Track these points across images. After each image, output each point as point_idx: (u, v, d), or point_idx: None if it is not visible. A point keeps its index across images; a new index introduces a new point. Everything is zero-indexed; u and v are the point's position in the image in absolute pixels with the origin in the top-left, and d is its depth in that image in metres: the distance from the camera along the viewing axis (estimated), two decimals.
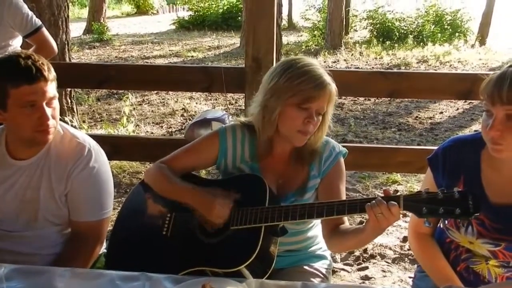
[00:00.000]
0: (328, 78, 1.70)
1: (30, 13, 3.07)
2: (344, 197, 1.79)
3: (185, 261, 1.64)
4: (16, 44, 3.19)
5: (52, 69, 1.72)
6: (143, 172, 4.56)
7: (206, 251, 1.65)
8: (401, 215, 1.46)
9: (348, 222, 1.78)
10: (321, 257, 1.91)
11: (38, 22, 3.09)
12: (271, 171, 1.80)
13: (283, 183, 1.80)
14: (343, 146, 1.90)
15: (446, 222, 1.64)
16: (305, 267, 1.85)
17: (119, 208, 1.94)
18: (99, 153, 1.86)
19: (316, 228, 1.90)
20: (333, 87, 1.71)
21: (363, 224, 1.53)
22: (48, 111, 1.69)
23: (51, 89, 1.69)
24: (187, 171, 1.89)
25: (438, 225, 1.74)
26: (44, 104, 1.68)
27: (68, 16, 5.43)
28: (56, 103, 1.74)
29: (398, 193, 4.17)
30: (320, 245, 1.93)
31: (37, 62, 1.66)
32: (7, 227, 1.81)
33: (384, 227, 1.45)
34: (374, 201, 1.43)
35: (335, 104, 1.76)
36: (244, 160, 1.85)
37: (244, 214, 1.63)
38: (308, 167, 1.81)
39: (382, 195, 1.46)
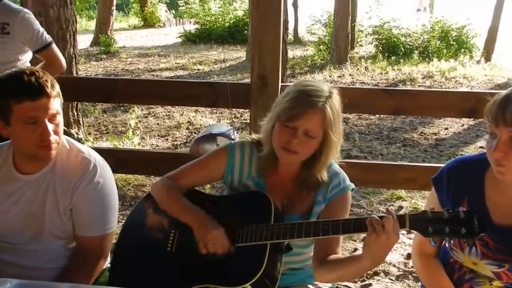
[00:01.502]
0: (323, 101, 1.66)
1: (41, 29, 3.10)
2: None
3: (190, 277, 1.65)
4: (26, 59, 3.21)
5: (57, 85, 1.74)
6: (148, 185, 4.57)
7: (211, 268, 1.65)
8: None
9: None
10: None
11: (49, 38, 3.12)
12: (277, 190, 1.79)
13: (288, 203, 1.79)
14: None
15: (452, 242, 1.64)
16: (310, 285, 1.84)
17: (124, 221, 1.94)
18: (104, 168, 1.87)
19: None
20: (327, 110, 1.66)
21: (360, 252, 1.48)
22: (50, 127, 1.71)
23: (54, 105, 1.71)
24: (194, 186, 1.90)
25: (442, 244, 1.74)
26: (46, 120, 1.69)
27: (76, 30, 5.50)
28: (59, 119, 1.75)
29: (403, 211, 4.17)
30: None
31: (40, 79, 1.68)
32: (12, 240, 1.82)
33: (383, 245, 1.40)
34: (376, 217, 1.42)
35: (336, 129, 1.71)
36: (251, 177, 1.84)
37: (250, 231, 1.63)
38: (314, 193, 1.79)
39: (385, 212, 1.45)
